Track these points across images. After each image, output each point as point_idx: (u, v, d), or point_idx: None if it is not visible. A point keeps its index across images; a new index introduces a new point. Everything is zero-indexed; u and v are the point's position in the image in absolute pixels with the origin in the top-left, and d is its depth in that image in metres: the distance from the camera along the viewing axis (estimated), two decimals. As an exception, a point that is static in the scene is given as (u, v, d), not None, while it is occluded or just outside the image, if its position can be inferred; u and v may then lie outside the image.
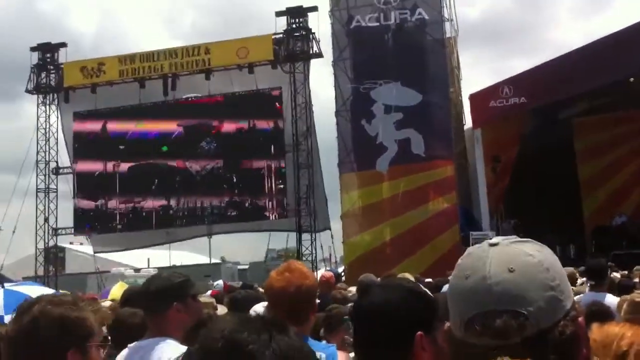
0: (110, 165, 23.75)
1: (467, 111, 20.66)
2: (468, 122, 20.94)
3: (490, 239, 1.26)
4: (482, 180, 18.56)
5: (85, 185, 24.06)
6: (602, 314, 3.98)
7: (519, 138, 19.56)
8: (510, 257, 1.16)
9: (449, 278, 1.34)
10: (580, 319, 1.18)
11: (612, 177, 20.89)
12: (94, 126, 24.08)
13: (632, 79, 18.56)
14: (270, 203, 22.63)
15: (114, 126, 23.89)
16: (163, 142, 23.44)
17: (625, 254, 14.69)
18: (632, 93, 18.82)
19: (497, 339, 1.09)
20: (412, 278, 5.61)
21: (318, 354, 2.50)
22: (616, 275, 9.25)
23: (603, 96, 19.06)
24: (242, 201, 22.74)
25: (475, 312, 1.14)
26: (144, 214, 23.57)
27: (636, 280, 7.85)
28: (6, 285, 4.12)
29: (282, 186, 22.25)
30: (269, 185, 22.51)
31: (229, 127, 22.90)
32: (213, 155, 22.97)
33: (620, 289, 6.39)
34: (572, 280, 8.23)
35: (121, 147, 23.70)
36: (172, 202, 23.34)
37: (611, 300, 5.69)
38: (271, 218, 22.72)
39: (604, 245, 17.51)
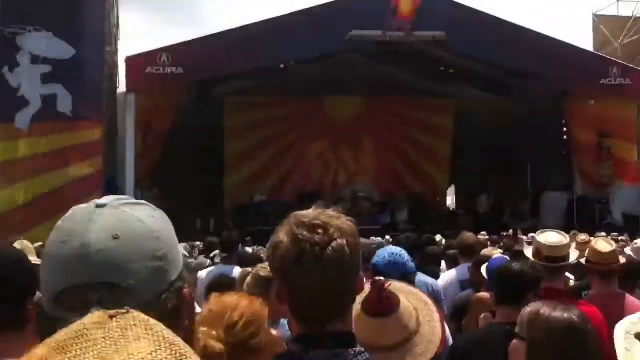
0: None
1: (123, 74, 19.94)
2: (123, 86, 20.25)
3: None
4: (130, 148, 18.09)
5: None
6: (224, 286, 4.05)
7: (173, 109, 19.61)
8: (117, 222, 1.04)
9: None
10: (185, 290, 1.11)
11: (254, 158, 22.39)
12: None
13: (282, 65, 20.10)
14: None
15: None
16: None
17: (259, 230, 15.76)
18: (284, 79, 20.40)
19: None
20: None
21: None
22: (248, 249, 9.83)
23: (257, 78, 20.24)
24: None
25: (69, 284, 1.01)
26: None
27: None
28: None
29: None
30: None
31: None
32: None
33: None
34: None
35: None
36: None
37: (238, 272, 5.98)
38: None
39: (241, 221, 18.66)
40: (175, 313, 1.05)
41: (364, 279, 2.60)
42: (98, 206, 1.06)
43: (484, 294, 4.60)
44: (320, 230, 1.53)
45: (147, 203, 1.14)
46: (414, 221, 19.95)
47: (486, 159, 24.12)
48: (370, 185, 23.35)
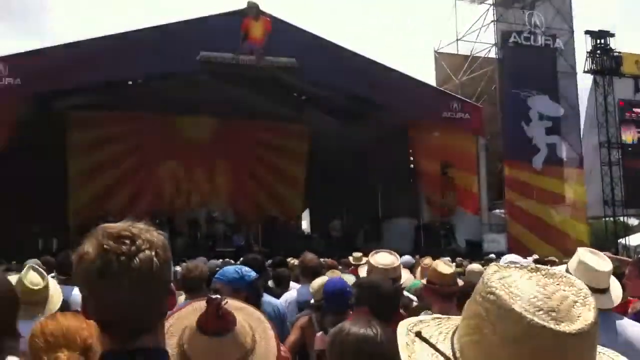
0: None
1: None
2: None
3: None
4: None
5: None
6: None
7: (11, 123, 18.09)
8: None
9: None
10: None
11: (101, 176, 21.33)
12: None
13: (130, 82, 19.37)
14: None
15: None
16: None
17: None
18: (130, 95, 19.61)
19: None
20: None
21: None
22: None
23: (101, 93, 19.35)
24: None
25: None
26: None
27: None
28: None
29: None
30: None
31: None
32: None
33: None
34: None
35: None
36: None
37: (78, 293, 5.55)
38: None
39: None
40: None
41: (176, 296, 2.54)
42: None
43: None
44: (127, 241, 1.39)
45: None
46: (269, 244, 19.87)
47: (339, 184, 24.60)
48: (224, 207, 23.04)
